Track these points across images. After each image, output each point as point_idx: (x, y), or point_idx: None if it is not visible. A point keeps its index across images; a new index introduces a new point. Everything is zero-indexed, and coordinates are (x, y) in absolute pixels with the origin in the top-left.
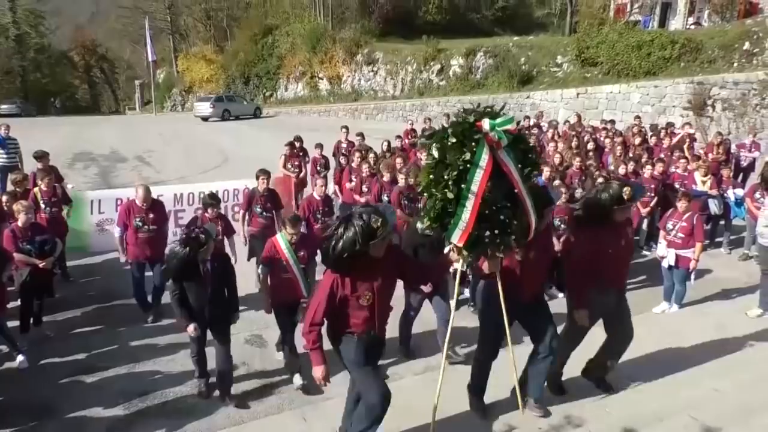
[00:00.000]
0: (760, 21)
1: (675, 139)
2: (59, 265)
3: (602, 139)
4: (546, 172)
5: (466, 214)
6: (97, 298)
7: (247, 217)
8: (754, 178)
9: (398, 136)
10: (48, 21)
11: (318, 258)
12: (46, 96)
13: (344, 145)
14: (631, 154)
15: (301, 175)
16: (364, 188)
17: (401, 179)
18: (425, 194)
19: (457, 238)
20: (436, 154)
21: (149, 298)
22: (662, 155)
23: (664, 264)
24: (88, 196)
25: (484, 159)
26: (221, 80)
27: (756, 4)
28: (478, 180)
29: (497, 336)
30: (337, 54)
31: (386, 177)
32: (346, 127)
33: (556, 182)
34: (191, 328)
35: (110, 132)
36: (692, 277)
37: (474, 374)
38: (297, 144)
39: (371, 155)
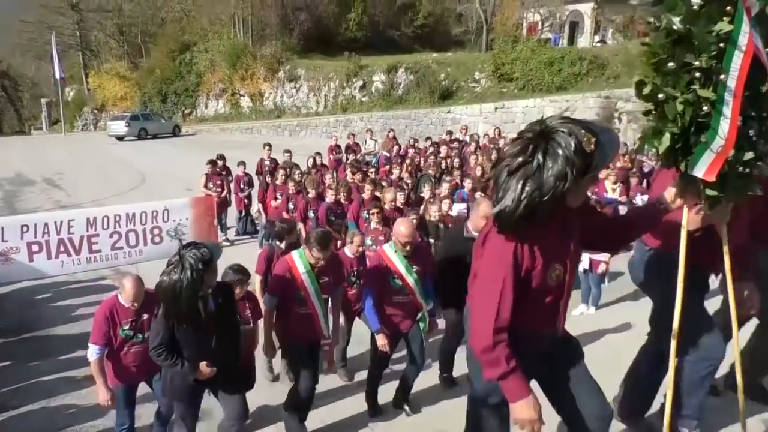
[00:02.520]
0: None
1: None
2: None
3: None
4: (468, 184)
5: (725, 125)
6: (4, 332)
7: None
8: None
9: (318, 153)
10: None
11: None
12: None
13: (267, 163)
14: None
15: (224, 194)
16: (290, 205)
17: (329, 195)
18: (657, 96)
19: (704, 167)
20: (677, 24)
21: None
22: None
23: (580, 268)
24: None
25: (745, 34)
26: (137, 98)
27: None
28: (736, 69)
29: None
30: (258, 71)
31: (312, 194)
32: (269, 145)
33: (479, 194)
34: (205, 366)
35: (14, 153)
36: (606, 279)
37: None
38: (219, 162)
39: (296, 172)
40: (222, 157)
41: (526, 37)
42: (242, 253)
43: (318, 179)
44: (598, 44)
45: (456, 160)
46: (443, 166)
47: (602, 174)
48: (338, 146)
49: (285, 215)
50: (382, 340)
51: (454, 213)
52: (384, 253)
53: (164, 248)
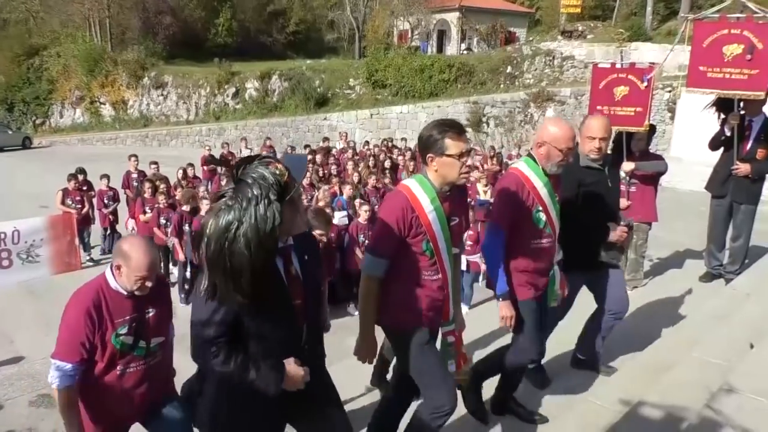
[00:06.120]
0: (518, 48)
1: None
2: None
3: (396, 156)
4: (348, 190)
5: None
6: None
7: None
8: None
9: (190, 164)
10: None
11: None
12: None
13: (135, 175)
14: None
15: (84, 210)
16: (162, 220)
17: (204, 208)
18: None
19: None
20: None
21: None
22: None
23: None
24: None
25: None
26: None
27: (513, 33)
28: None
29: None
30: (120, 77)
31: (186, 207)
32: (136, 156)
33: (357, 200)
34: (294, 367)
35: None
36: (480, 279)
37: None
38: (80, 176)
39: (162, 185)
40: (82, 171)
41: (398, 45)
42: None
43: (194, 192)
44: (465, 52)
45: (333, 167)
46: (320, 173)
47: (473, 177)
48: (212, 156)
49: (157, 231)
50: (508, 310)
51: (336, 221)
52: (522, 173)
53: (15, 272)
